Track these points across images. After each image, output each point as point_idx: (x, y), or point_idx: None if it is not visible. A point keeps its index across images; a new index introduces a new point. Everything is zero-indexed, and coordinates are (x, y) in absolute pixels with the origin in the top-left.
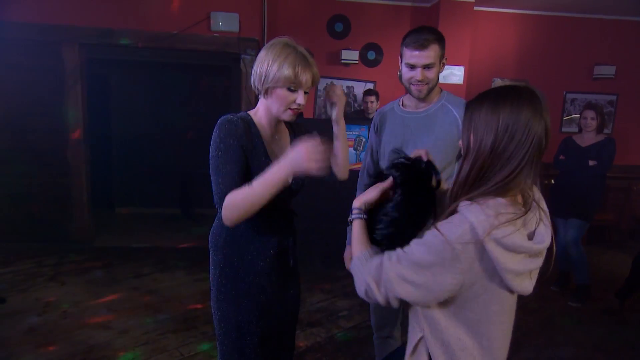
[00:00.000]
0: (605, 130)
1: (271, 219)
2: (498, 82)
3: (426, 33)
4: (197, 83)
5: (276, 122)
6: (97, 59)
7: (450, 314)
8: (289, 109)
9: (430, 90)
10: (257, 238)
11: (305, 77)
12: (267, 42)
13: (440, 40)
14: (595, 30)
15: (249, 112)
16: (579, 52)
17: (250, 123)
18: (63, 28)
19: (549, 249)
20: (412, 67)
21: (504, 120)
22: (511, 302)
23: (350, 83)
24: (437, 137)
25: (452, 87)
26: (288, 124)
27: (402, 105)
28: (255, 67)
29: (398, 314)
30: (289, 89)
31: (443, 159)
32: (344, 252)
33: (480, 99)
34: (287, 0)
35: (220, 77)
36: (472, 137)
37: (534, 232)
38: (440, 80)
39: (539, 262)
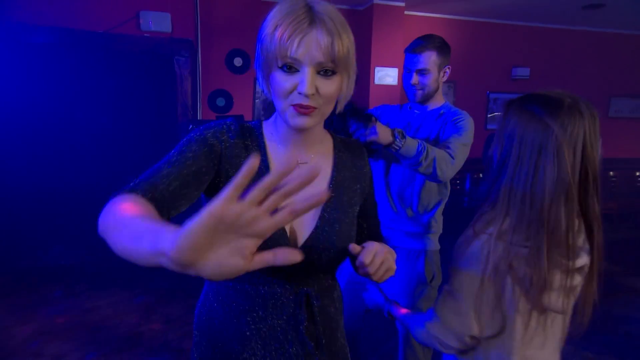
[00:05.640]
0: None
1: None
2: None
3: (425, 40)
4: (125, 87)
5: (295, 135)
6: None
7: None
8: (291, 105)
9: (426, 97)
10: None
11: (305, 45)
12: (200, 44)
13: (437, 48)
14: (513, 35)
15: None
16: (499, 55)
17: (254, 131)
18: None
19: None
20: (408, 70)
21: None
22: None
23: None
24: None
25: (387, 88)
26: (339, 143)
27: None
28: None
29: None
30: (284, 69)
31: None
32: None
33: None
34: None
35: (150, 81)
36: None
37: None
38: (375, 82)
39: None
